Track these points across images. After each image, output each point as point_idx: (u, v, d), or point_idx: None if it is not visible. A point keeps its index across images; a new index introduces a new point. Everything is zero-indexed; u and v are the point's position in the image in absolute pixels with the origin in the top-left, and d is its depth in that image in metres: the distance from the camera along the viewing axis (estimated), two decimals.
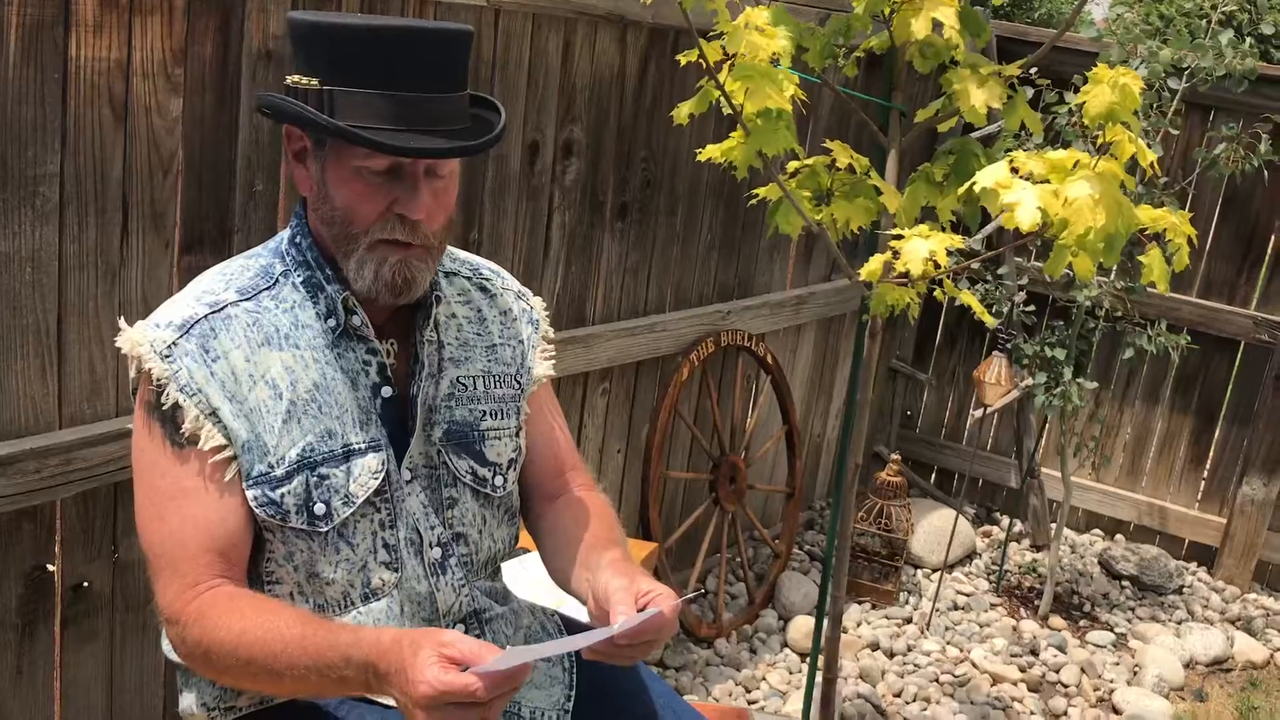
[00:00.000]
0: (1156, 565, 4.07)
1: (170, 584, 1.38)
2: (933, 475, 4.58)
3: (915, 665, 3.36)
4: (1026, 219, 1.73)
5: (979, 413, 4.00)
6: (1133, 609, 3.91)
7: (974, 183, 1.81)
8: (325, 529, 1.42)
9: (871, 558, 3.72)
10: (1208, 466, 4.23)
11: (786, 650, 3.35)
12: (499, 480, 1.58)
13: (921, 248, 1.92)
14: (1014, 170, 1.81)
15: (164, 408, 1.38)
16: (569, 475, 1.70)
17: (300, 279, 1.46)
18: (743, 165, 2.14)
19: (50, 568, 1.97)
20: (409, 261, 1.42)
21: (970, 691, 3.26)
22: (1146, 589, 4.03)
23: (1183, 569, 4.15)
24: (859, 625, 3.54)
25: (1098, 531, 4.38)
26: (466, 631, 1.55)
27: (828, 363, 4.03)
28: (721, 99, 1.95)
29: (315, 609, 1.45)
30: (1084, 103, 1.75)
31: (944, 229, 2.29)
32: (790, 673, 3.25)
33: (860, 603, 3.67)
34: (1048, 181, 1.80)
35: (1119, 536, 4.34)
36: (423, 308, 1.51)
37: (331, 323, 1.45)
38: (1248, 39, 3.35)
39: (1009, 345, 3.47)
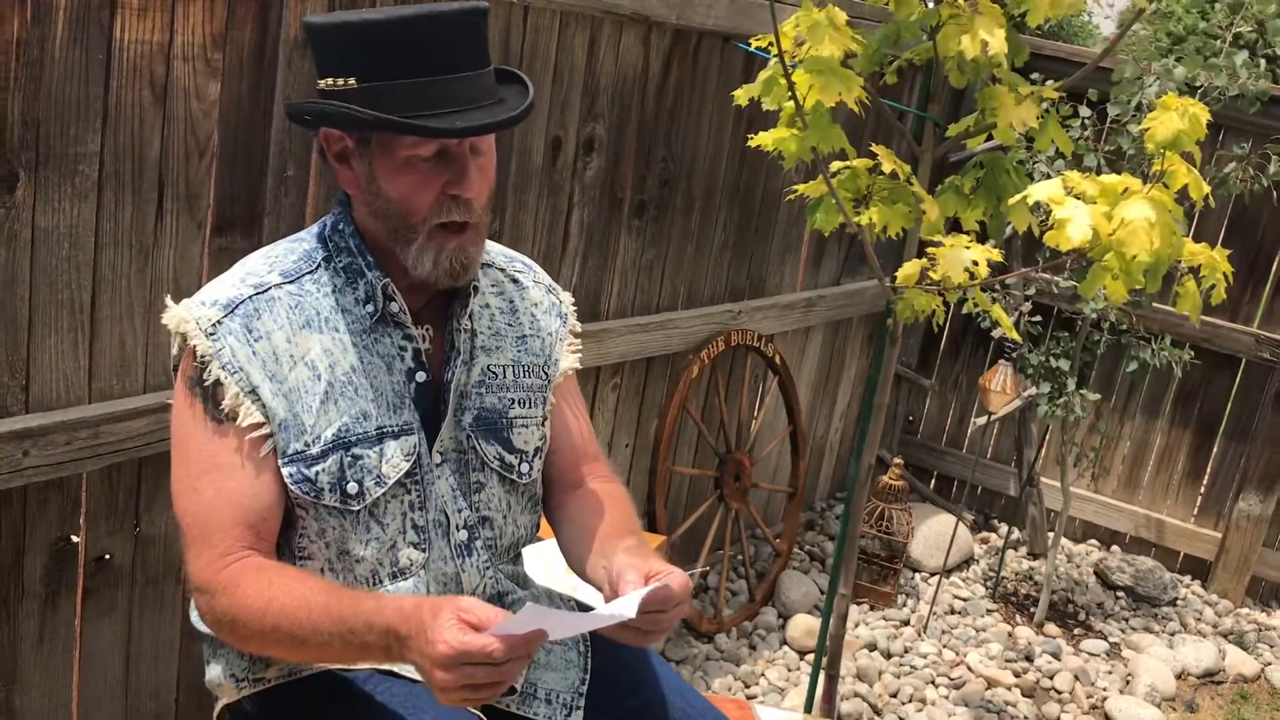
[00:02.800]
0: (1152, 577, 4.12)
1: (201, 554, 1.42)
2: (933, 481, 4.62)
3: (912, 667, 3.40)
4: (1078, 235, 1.77)
5: (981, 420, 4.05)
6: (1126, 619, 3.96)
7: (1027, 195, 1.85)
8: (357, 508, 1.46)
9: (871, 560, 3.77)
10: (1205, 481, 4.28)
11: (785, 648, 3.39)
12: (524, 467, 1.62)
13: (964, 256, 1.97)
14: (1066, 189, 1.85)
15: (205, 384, 1.42)
16: (589, 466, 1.74)
17: (342, 264, 1.50)
18: (792, 157, 2.16)
19: (75, 539, 2.01)
20: (464, 248, 1.47)
21: (965, 694, 3.30)
22: (1141, 600, 4.08)
23: (1177, 581, 4.20)
24: (857, 625, 3.58)
25: (1094, 541, 4.43)
26: None
27: (834, 366, 4.07)
28: (786, 88, 1.98)
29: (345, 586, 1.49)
30: (1147, 128, 1.79)
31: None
32: (789, 670, 3.29)
33: (859, 603, 3.72)
34: (1094, 202, 1.84)
35: (1115, 547, 4.39)
36: (460, 296, 1.55)
37: (370, 308, 1.49)
38: (1262, 60, 3.39)
39: (1015, 355, 3.51)
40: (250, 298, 1.45)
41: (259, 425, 1.43)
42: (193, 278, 2.04)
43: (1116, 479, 4.34)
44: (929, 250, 2.13)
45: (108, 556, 2.06)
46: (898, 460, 3.82)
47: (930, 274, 2.12)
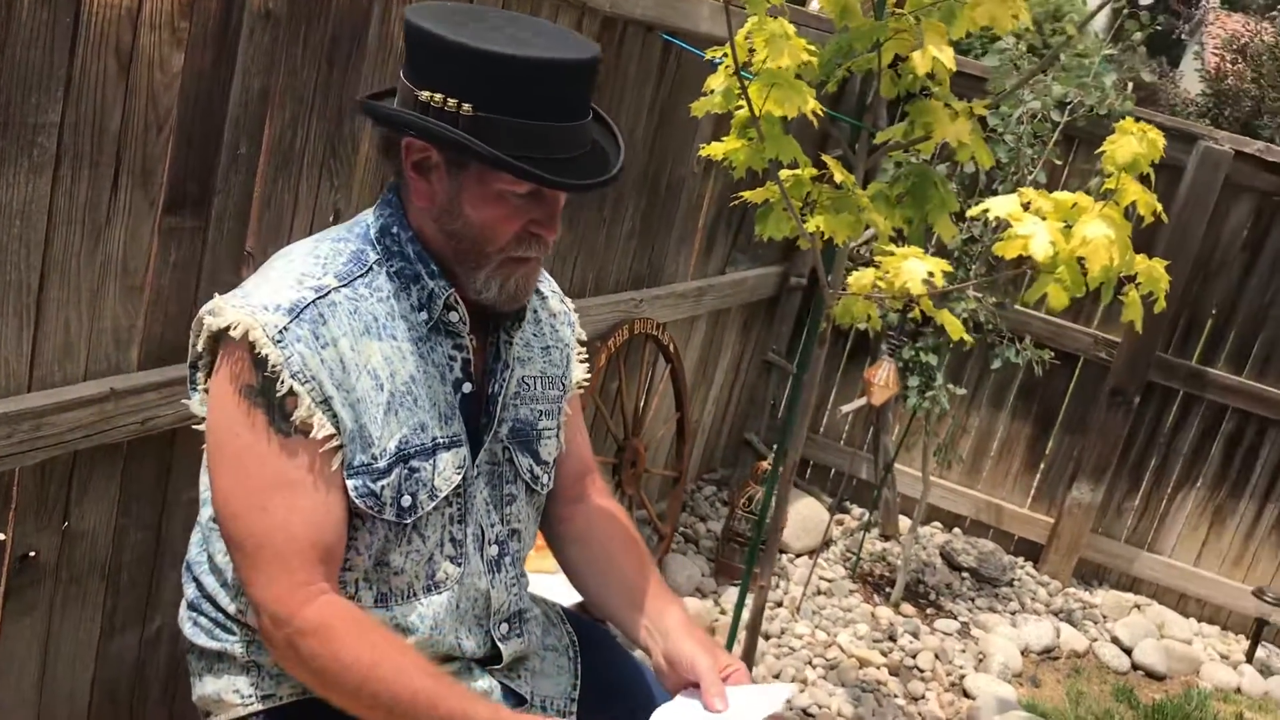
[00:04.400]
0: (993, 559, 4.39)
1: (277, 579, 1.35)
2: None
3: (790, 648, 3.53)
4: (1041, 251, 1.87)
5: (849, 408, 4.22)
6: (973, 599, 4.22)
7: (987, 209, 1.94)
8: (408, 521, 1.42)
9: (743, 541, 3.87)
10: (1041, 470, 4.59)
11: None
12: (545, 478, 1.61)
13: (919, 268, 2.05)
14: (1023, 205, 1.95)
15: (277, 395, 1.34)
16: (591, 478, 1.74)
17: (394, 269, 1.44)
18: (743, 166, 2.20)
19: (1, 536, 1.86)
20: (530, 276, 1.46)
21: (841, 674, 3.46)
22: (984, 580, 4.35)
23: (1014, 563, 4.49)
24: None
25: (938, 524, 4.69)
26: (509, 632, 1.58)
27: (711, 353, 4.15)
28: (741, 99, 2.01)
29: (379, 597, 1.45)
30: (1104, 151, 1.89)
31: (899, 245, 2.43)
32: None
33: (735, 585, 3.82)
34: (1044, 218, 1.94)
35: (957, 530, 4.66)
36: (514, 310, 1.52)
37: (423, 316, 1.44)
38: (1128, 84, 3.63)
39: (899, 350, 3.67)
40: (314, 302, 1.38)
41: (332, 437, 1.36)
42: (141, 258, 1.91)
43: (960, 466, 4.60)
44: (878, 259, 2.21)
45: (32, 554, 1.92)
46: (775, 448, 3.93)
47: (880, 283, 2.20)
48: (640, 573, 1.65)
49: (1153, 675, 4.03)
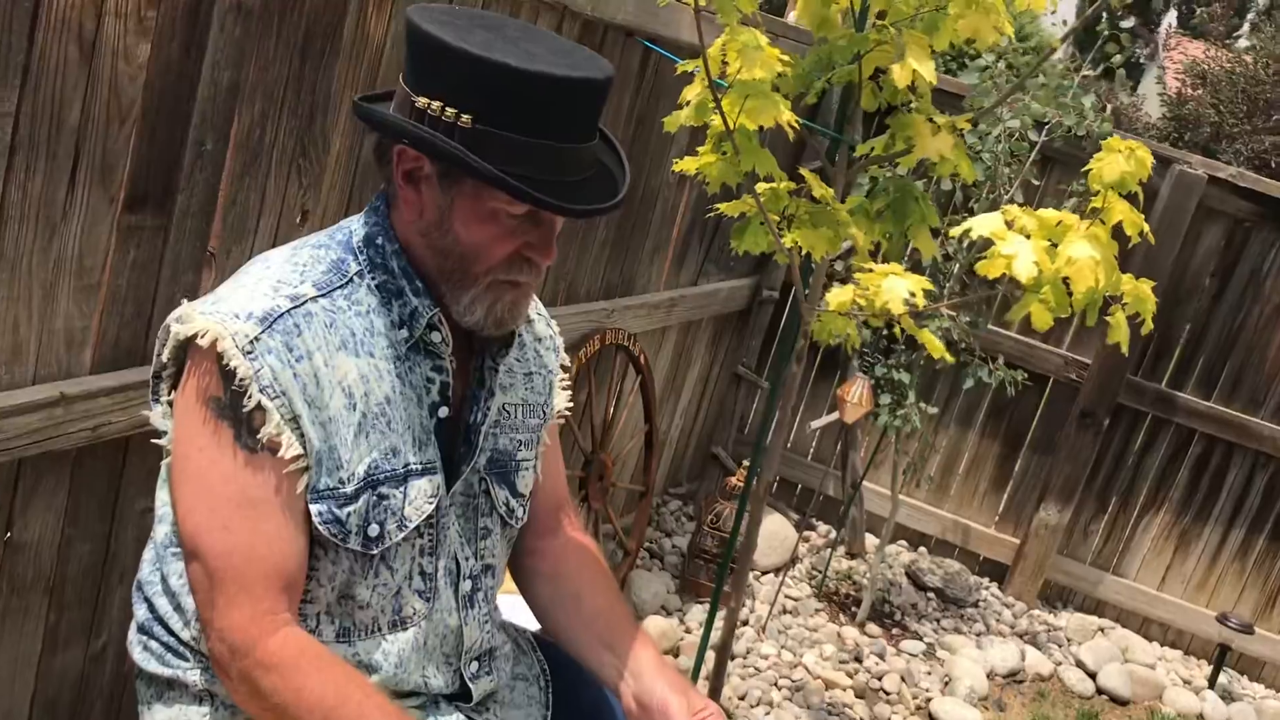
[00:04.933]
0: (959, 580, 4.36)
1: (239, 604, 1.26)
2: None
3: (756, 669, 3.47)
4: (1024, 272, 1.82)
5: (819, 424, 4.17)
6: (938, 620, 4.18)
7: (968, 229, 1.89)
8: (374, 552, 1.33)
9: (709, 559, 3.81)
10: (1008, 490, 4.56)
11: None
12: (520, 511, 1.54)
13: (900, 286, 1.99)
14: (1007, 223, 1.90)
15: (244, 409, 1.26)
16: (565, 512, 1.67)
17: (376, 282, 1.36)
18: (716, 181, 2.15)
19: None
20: (518, 302, 1.38)
21: (807, 696, 3.40)
22: (949, 601, 4.31)
23: (979, 584, 4.46)
24: (701, 626, 3.62)
25: (904, 542, 4.65)
26: (479, 670, 1.50)
27: (681, 365, 4.09)
28: (715, 112, 1.95)
29: (341, 631, 1.36)
30: (1091, 169, 1.85)
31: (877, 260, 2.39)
32: None
33: (700, 602, 3.76)
34: (1028, 237, 1.90)
35: (922, 549, 4.62)
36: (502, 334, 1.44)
37: (404, 333, 1.36)
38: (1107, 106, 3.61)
39: (872, 368, 3.63)
40: (289, 311, 1.29)
41: (299, 458, 1.28)
42: (98, 257, 1.81)
43: (927, 484, 4.56)
44: (858, 277, 2.16)
45: None
46: (746, 463, 3.88)
47: (860, 300, 2.15)
48: (611, 610, 1.57)
49: (1116, 700, 4.01)
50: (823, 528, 4.62)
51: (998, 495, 4.57)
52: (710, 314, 4.06)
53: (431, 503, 1.37)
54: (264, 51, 1.96)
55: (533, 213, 1.32)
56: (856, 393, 3.45)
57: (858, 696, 3.52)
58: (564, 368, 1.65)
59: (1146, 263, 4.05)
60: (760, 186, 2.27)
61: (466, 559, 1.45)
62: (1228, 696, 4.18)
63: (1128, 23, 3.57)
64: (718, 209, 2.31)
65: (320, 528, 1.29)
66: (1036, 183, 3.86)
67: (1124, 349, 2.05)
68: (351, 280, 1.35)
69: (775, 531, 4.17)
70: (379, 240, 1.37)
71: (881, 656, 3.76)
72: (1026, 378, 3.89)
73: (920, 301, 2.00)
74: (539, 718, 1.62)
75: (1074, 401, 4.34)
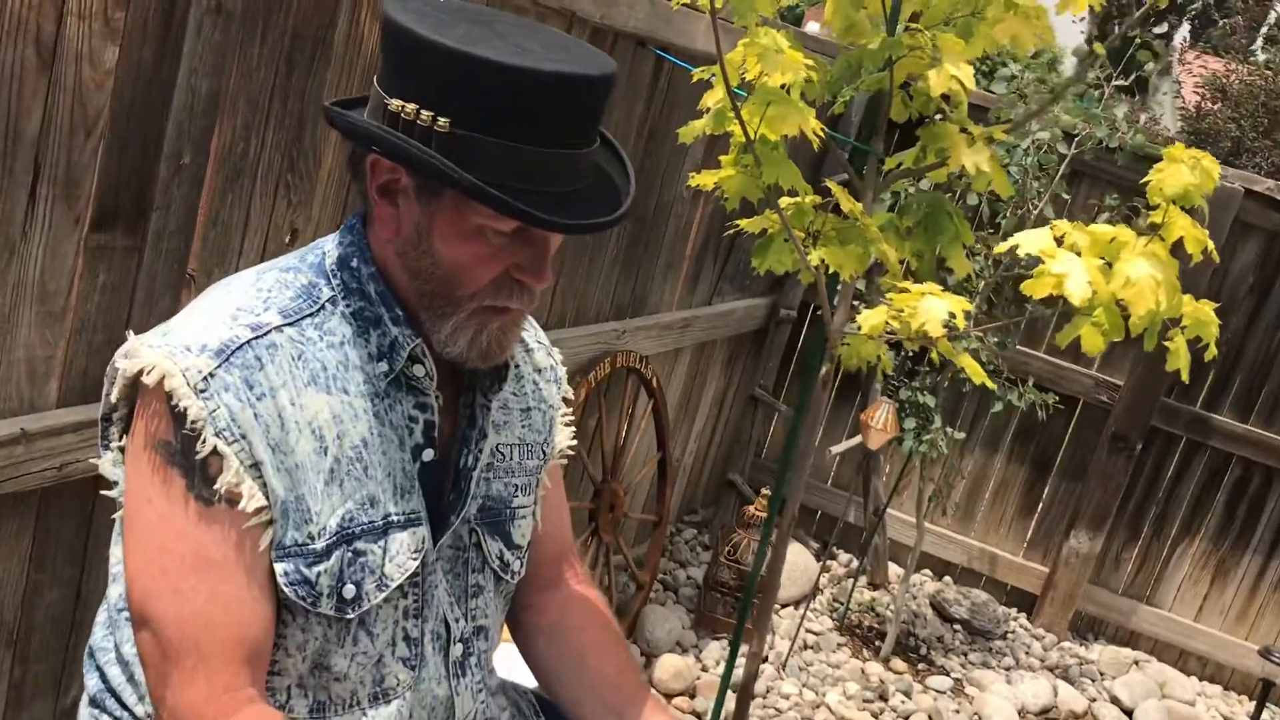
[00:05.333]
0: (986, 610, 4.18)
1: (195, 680, 1.10)
2: None
3: (776, 710, 3.30)
4: (1078, 292, 1.67)
5: (838, 450, 4.00)
6: (965, 654, 4.00)
7: (1015, 245, 1.73)
8: (350, 615, 1.17)
9: (725, 592, 3.64)
10: (1036, 517, 4.38)
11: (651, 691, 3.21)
12: (517, 565, 1.37)
13: (939, 307, 1.84)
14: (1056, 239, 1.74)
15: (197, 455, 1.10)
16: (568, 561, 1.51)
17: (351, 309, 1.20)
18: (735, 196, 2.00)
19: None
20: (507, 329, 1.21)
21: None
22: (976, 633, 4.13)
23: (1007, 615, 4.28)
24: (718, 664, 3.45)
25: (928, 571, 4.46)
26: None
27: (695, 387, 3.93)
28: (735, 123, 1.81)
29: (315, 706, 1.20)
30: (1149, 180, 1.69)
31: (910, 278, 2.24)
32: None
33: (717, 638, 3.58)
34: (1078, 254, 1.74)
35: (948, 578, 4.44)
36: (494, 366, 1.27)
37: (383, 367, 1.19)
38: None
39: (898, 392, 3.46)
40: (249, 342, 1.13)
41: (262, 510, 1.12)
42: (63, 280, 1.66)
43: (953, 510, 4.38)
44: (890, 297, 2.00)
45: None
46: (765, 491, 3.71)
47: (893, 323, 1.99)
48: (620, 675, 1.41)
49: None
50: (843, 556, 4.44)
51: (1025, 522, 4.39)
52: (725, 334, 3.90)
53: (415, 558, 1.21)
54: (247, 58, 1.82)
55: (522, 229, 1.15)
56: (881, 418, 3.29)
57: None
58: (566, 401, 1.49)
59: (1181, 280, 3.86)
60: (784, 201, 2.12)
61: (456, 620, 1.28)
62: None
63: (1160, 28, 3.41)
64: (737, 226, 2.16)
65: (287, 590, 1.13)
66: (1066, 196, 3.69)
67: (1184, 376, 1.89)
68: (323, 307, 1.19)
69: (795, 562, 3.99)
70: (354, 262, 1.21)
71: (908, 694, 3.58)
72: (1057, 400, 3.71)
73: (961, 323, 1.85)
74: None
75: (1105, 424, 4.16)
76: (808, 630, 3.80)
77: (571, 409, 1.52)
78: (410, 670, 1.23)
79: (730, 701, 2.82)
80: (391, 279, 1.20)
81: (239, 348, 1.12)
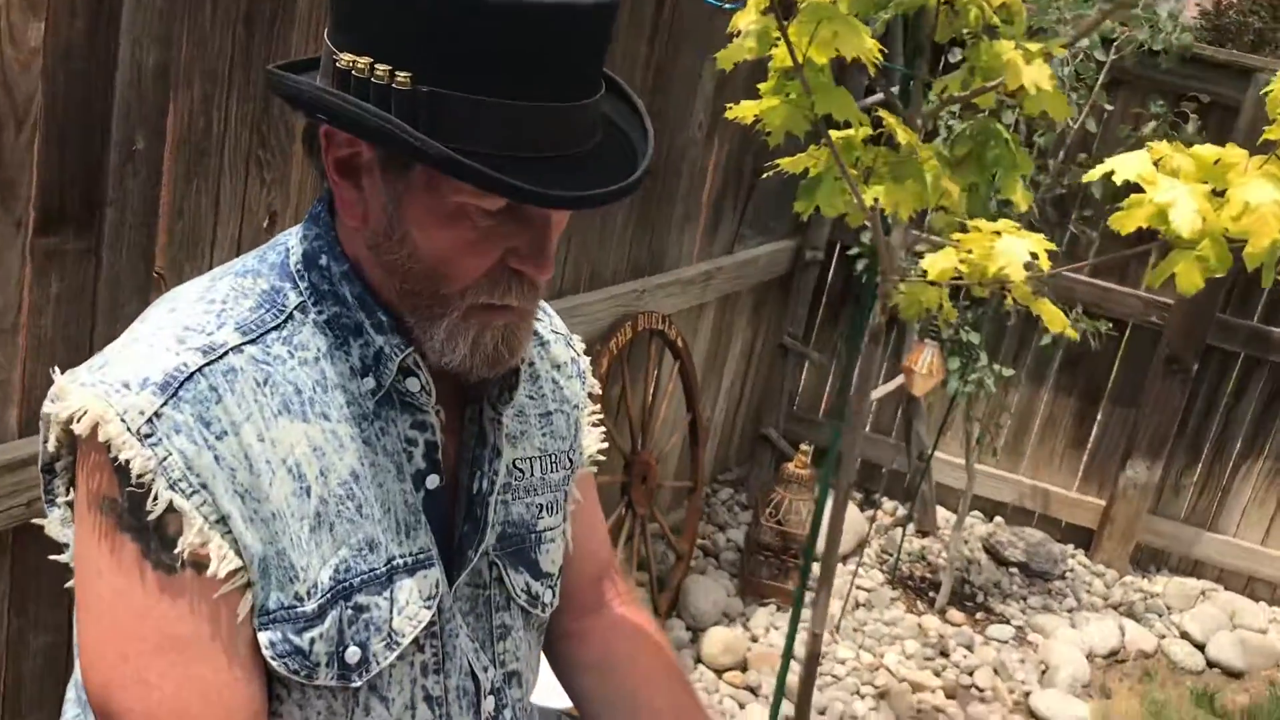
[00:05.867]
0: (1042, 550, 3.99)
1: None
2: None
3: (834, 676, 3.12)
4: (1186, 223, 1.45)
5: (878, 394, 3.78)
6: (1024, 598, 3.81)
7: (1110, 171, 1.51)
8: (357, 683, 0.97)
9: (769, 554, 3.45)
10: (1089, 448, 4.17)
11: (701, 667, 3.04)
12: (549, 596, 1.16)
13: (1019, 248, 1.62)
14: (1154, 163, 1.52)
15: (148, 515, 0.90)
16: (610, 581, 1.30)
17: (324, 317, 0.99)
18: (780, 130, 1.77)
19: None
20: (516, 328, 0.99)
21: (893, 703, 3.05)
22: (1034, 575, 3.94)
23: (1064, 553, 4.08)
24: (768, 631, 3.27)
25: (977, 514, 4.26)
26: None
27: (721, 343, 3.71)
28: (782, 44, 1.58)
29: None
30: (1272, 89, 1.46)
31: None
32: (707, 693, 2.94)
33: (764, 604, 3.40)
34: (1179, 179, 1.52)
35: (999, 519, 4.24)
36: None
37: (369, 383, 0.98)
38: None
39: (939, 333, 3.24)
40: (200, 370, 0.91)
41: (236, 572, 0.91)
42: (10, 294, 1.46)
43: (999, 448, 4.17)
44: (958, 238, 1.79)
45: None
46: (805, 447, 3.51)
47: (962, 267, 1.77)
48: (674, 703, 1.21)
49: (1230, 672, 3.63)
50: (888, 504, 4.25)
51: (1078, 455, 4.17)
52: (750, 284, 3.68)
53: (429, 607, 1.01)
54: (198, 23, 1.60)
55: (514, 207, 0.93)
56: (925, 361, 3.07)
57: (949, 697, 3.16)
58: (592, 396, 1.27)
59: None
60: (835, 134, 1.89)
61: (485, 669, 1.08)
62: None
63: None
64: (778, 166, 1.93)
65: (275, 664, 0.93)
66: (1108, 107, 3.44)
67: None
68: (291, 317, 0.98)
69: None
70: (323, 260, 0.99)
71: (969, 648, 3.40)
72: (1111, 326, 3.48)
73: (1046, 264, 1.63)
74: None
75: (1156, 347, 3.93)
76: (859, 588, 3.62)
77: (598, 408, 1.30)
78: None
79: (791, 673, 2.64)
80: (369, 277, 0.98)
81: (188, 378, 0.90)
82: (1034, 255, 1.67)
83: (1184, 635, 3.74)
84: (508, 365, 1.00)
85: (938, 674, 3.24)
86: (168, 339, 0.93)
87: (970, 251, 1.77)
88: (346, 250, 0.99)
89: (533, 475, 1.13)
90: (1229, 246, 1.63)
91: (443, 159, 0.85)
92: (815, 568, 2.44)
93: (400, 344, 0.97)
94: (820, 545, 2.38)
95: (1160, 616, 3.85)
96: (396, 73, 0.86)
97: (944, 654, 3.35)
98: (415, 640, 1.00)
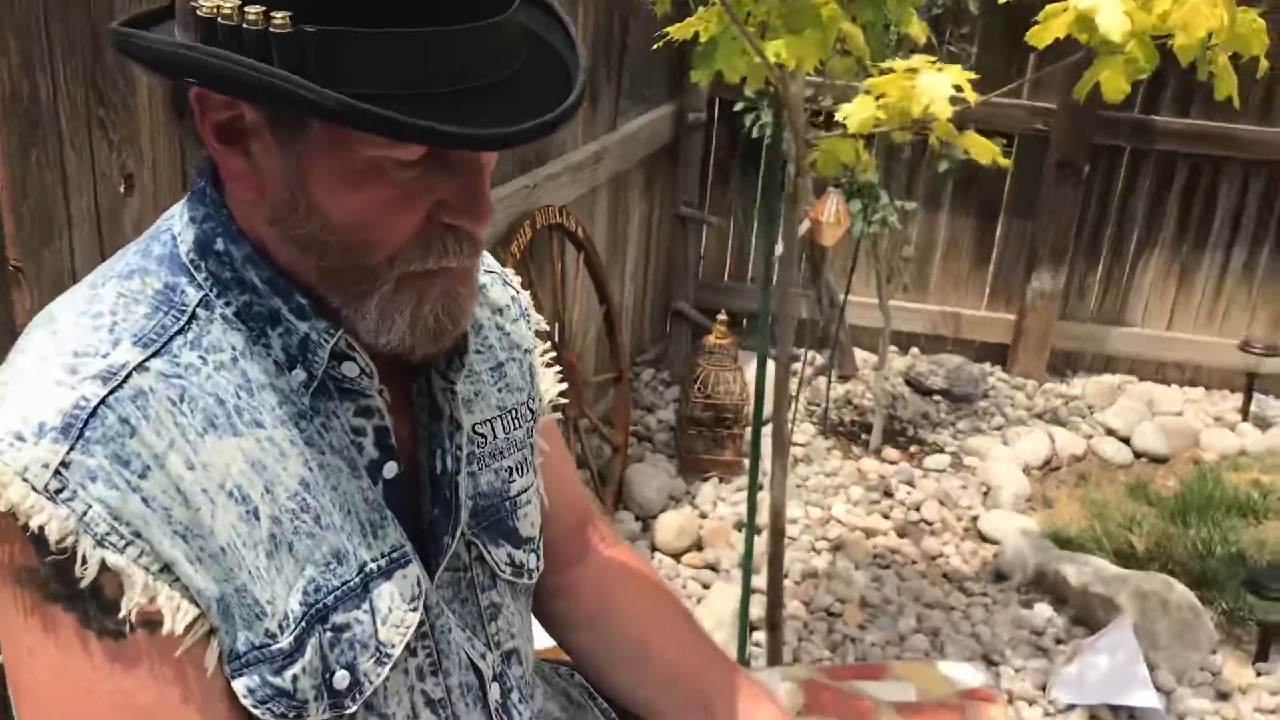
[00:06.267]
0: (962, 373, 4.02)
1: None
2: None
3: (791, 537, 3.11)
4: (1113, 26, 1.39)
5: (781, 250, 3.72)
6: (953, 424, 3.85)
7: None
8: (352, 708, 0.87)
9: (702, 428, 3.41)
10: (992, 266, 4.19)
11: (658, 554, 3.01)
12: (534, 561, 1.07)
13: (941, 83, 1.55)
14: None
15: (79, 582, 0.77)
16: (592, 527, 1.22)
17: (233, 309, 0.85)
18: None
19: None
20: (457, 292, 0.86)
21: (850, 552, 3.06)
22: (958, 399, 3.98)
23: (984, 372, 4.12)
24: (715, 505, 3.24)
25: (893, 348, 4.27)
26: None
27: (619, 224, 3.59)
28: None
29: None
30: None
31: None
32: (669, 579, 2.92)
33: (705, 479, 3.37)
34: None
35: (914, 350, 4.26)
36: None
37: (299, 376, 0.86)
38: None
39: (842, 180, 3.17)
40: (104, 401, 0.78)
41: (195, 622, 0.80)
42: None
43: (904, 280, 4.17)
44: (872, 83, 1.69)
45: None
46: (722, 317, 3.45)
47: (880, 113, 1.69)
48: (690, 653, 1.14)
49: (1156, 459, 3.73)
50: (806, 355, 4.22)
51: (982, 274, 4.20)
52: (637, 158, 3.55)
53: (415, 608, 0.91)
54: None
55: (436, 153, 0.81)
56: (831, 210, 2.99)
57: (901, 536, 3.19)
58: (540, 334, 1.16)
59: None
60: None
61: (483, 657, 0.99)
62: (1262, 424, 3.94)
63: None
64: (666, 34, 1.80)
65: (258, 710, 0.83)
66: None
67: (1237, 103, 1.63)
68: (194, 317, 0.84)
69: (753, 377, 3.76)
70: (219, 244, 0.85)
71: (911, 484, 3.43)
72: (1005, 144, 3.45)
73: (971, 96, 1.56)
74: None
75: (1046, 154, 3.93)
76: (794, 444, 3.61)
77: (550, 345, 1.19)
78: None
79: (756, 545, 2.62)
80: (278, 257, 0.85)
81: (92, 414, 0.77)
82: (958, 88, 1.60)
83: (1110, 432, 3.84)
84: (453, 335, 0.88)
85: (886, 515, 3.27)
86: (56, 370, 0.78)
87: (883, 95, 1.68)
88: (244, 229, 0.85)
89: (496, 438, 1.02)
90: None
91: (343, 109, 0.72)
92: (764, 436, 2.40)
93: (328, 328, 0.85)
94: (768, 414, 2.33)
95: (1084, 418, 3.93)
96: (272, 14, 0.72)
97: (888, 494, 3.38)
98: (408, 646, 0.90)
